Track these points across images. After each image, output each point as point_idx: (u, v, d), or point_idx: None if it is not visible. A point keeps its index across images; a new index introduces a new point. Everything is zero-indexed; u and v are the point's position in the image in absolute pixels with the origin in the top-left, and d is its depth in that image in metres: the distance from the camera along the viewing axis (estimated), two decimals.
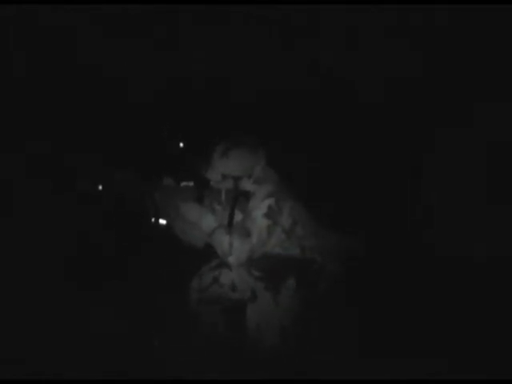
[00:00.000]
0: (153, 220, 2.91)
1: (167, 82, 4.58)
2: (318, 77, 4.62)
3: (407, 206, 4.04)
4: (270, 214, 2.87)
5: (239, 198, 2.93)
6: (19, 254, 3.36)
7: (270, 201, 2.88)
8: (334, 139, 4.48)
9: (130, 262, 3.27)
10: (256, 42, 4.61)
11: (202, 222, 2.90)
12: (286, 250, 2.95)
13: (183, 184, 2.95)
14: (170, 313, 3.01)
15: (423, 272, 3.42)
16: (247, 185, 2.94)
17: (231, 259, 2.86)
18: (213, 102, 4.64)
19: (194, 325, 2.91)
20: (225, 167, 2.90)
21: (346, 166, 4.34)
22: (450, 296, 3.24)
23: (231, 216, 2.93)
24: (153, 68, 4.58)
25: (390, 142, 4.40)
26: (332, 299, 2.92)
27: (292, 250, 2.96)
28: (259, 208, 2.87)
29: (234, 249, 2.83)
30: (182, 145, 4.09)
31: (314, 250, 2.98)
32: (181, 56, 4.57)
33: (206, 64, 4.61)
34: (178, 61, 4.56)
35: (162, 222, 2.93)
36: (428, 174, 4.14)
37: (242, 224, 2.90)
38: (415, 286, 3.31)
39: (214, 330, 2.92)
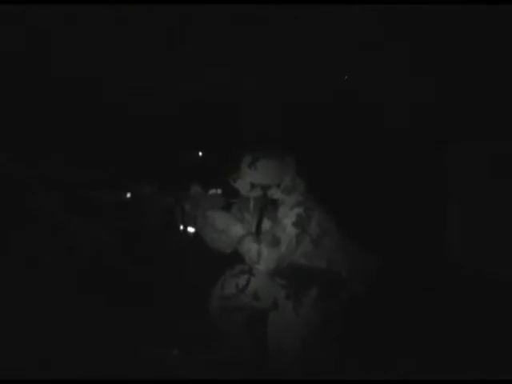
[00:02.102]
0: (181, 228, 2.91)
1: (190, 94, 4.58)
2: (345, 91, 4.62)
3: (435, 228, 4.09)
4: (298, 222, 2.86)
5: (267, 207, 2.94)
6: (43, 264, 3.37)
7: (299, 209, 2.88)
8: (367, 157, 4.50)
9: (157, 270, 3.28)
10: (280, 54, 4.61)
11: (231, 229, 2.89)
12: (311, 260, 2.93)
13: (211, 192, 2.95)
14: (194, 320, 3.04)
15: (447, 291, 3.49)
16: (276, 193, 2.93)
17: (260, 267, 2.85)
18: (241, 112, 4.65)
19: (216, 332, 2.93)
20: (253, 177, 2.90)
21: (378, 183, 4.36)
22: (475, 316, 3.30)
23: (259, 224, 2.93)
24: (174, 81, 4.58)
25: (418, 163, 4.44)
26: (351, 314, 2.97)
27: (318, 262, 2.94)
28: (289, 216, 2.86)
29: (263, 257, 2.82)
30: (201, 153, 4.09)
31: (340, 265, 2.96)
32: (198, 67, 4.57)
33: (228, 75, 4.60)
34: (197, 71, 4.56)
35: (191, 230, 2.94)
36: (455, 197, 4.19)
37: (270, 232, 2.88)
38: (436, 302, 3.38)
39: (236, 338, 2.95)
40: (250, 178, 2.91)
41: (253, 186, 2.92)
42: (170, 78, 4.66)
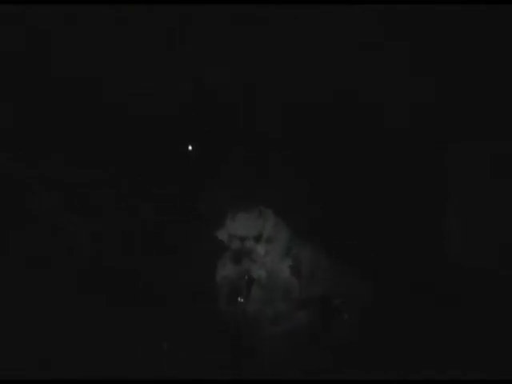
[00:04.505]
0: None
1: (190, 94, 4.59)
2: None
3: (436, 227, 4.11)
4: (293, 270, 3.29)
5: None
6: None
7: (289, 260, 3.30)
8: (367, 156, 4.52)
9: (157, 270, 3.30)
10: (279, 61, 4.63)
11: None
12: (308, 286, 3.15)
13: None
14: (194, 320, 3.04)
15: (447, 290, 3.51)
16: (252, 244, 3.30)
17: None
18: (241, 112, 4.67)
19: (216, 333, 2.95)
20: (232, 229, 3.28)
21: (378, 183, 4.39)
22: (475, 316, 3.31)
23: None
24: (174, 81, 4.59)
25: (418, 163, 4.46)
26: (352, 314, 3.01)
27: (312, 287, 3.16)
28: (283, 270, 3.29)
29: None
30: (190, 147, 4.13)
31: (331, 289, 3.18)
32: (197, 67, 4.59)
33: (228, 75, 4.60)
34: (197, 71, 4.57)
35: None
36: (455, 197, 4.20)
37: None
38: (436, 302, 3.39)
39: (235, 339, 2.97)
40: (229, 230, 3.30)
41: (231, 237, 3.30)
42: (170, 78, 4.66)
